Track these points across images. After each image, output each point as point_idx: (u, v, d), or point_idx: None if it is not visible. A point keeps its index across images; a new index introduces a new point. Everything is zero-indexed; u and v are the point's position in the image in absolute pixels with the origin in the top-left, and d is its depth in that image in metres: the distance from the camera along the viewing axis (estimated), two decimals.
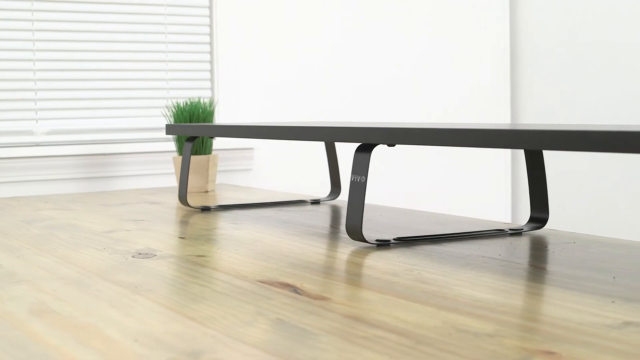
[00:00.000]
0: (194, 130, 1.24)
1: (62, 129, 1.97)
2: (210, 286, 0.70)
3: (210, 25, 2.14)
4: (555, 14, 2.41)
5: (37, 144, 1.94)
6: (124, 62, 2.02)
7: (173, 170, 1.96)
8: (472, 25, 2.44)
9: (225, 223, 1.12)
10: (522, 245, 0.90)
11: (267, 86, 2.17)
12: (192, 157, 1.58)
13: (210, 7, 2.13)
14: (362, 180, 0.88)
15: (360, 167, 0.89)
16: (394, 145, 0.88)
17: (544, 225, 1.00)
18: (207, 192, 1.59)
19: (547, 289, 0.67)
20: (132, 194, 1.57)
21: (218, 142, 2.06)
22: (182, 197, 1.26)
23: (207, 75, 2.15)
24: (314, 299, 0.65)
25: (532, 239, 0.94)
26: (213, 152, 1.86)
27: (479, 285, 0.69)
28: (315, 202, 1.37)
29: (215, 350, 0.50)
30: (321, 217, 1.18)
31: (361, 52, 2.28)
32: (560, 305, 0.61)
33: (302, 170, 2.20)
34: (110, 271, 0.77)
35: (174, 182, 1.95)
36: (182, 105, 1.61)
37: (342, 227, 1.07)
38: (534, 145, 0.68)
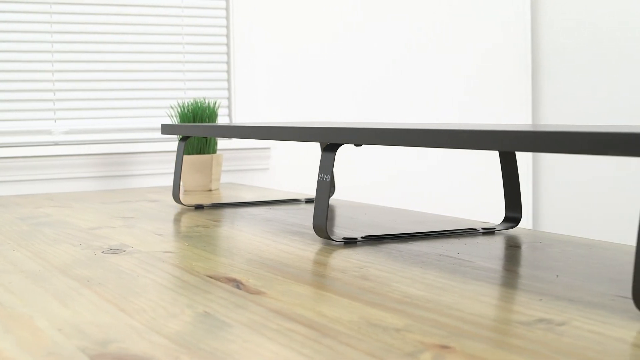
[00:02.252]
0: (187, 130, 1.27)
1: (79, 128, 2.02)
2: (159, 280, 0.72)
3: (227, 27, 2.17)
4: (577, 13, 2.39)
5: (56, 143, 2.00)
6: (140, 63, 2.06)
7: None
8: (492, 25, 2.43)
9: (209, 221, 1.14)
10: (486, 244, 0.91)
11: (284, 87, 2.19)
12: (196, 156, 1.61)
13: (227, 9, 2.17)
14: (327, 180, 0.90)
15: (326, 166, 0.90)
16: (360, 145, 0.89)
17: (517, 225, 1.01)
18: (210, 190, 1.62)
19: (483, 286, 0.68)
20: (136, 192, 1.61)
21: (234, 142, 2.09)
22: (176, 196, 1.29)
23: (224, 75, 2.18)
24: (251, 293, 0.67)
25: (501, 238, 0.95)
26: (218, 152, 1.89)
27: (419, 282, 0.70)
28: (310, 201, 1.39)
29: (126, 340, 0.53)
30: (307, 215, 1.19)
31: (377, 51, 2.29)
32: (484, 301, 0.62)
33: (317, 170, 2.21)
34: (72, 266, 0.80)
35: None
36: (186, 105, 1.65)
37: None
38: (486, 146, 0.69)
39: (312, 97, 2.22)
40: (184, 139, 1.29)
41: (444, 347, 0.50)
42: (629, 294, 0.64)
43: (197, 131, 1.24)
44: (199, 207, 1.31)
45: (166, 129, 1.34)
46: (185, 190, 1.64)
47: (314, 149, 2.20)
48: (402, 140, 0.81)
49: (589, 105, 2.34)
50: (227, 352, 0.50)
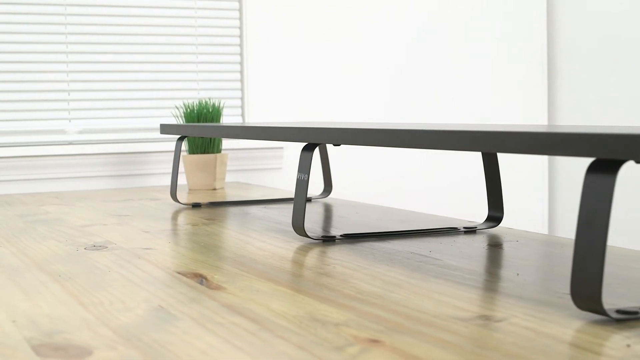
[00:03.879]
0: (183, 130, 1.29)
1: (93, 128, 2.05)
2: (128, 276, 0.74)
3: (240, 27, 2.19)
4: (593, 12, 2.38)
5: (70, 143, 2.04)
6: (154, 63, 2.09)
7: None
8: (508, 25, 2.43)
9: (201, 219, 1.16)
10: (463, 242, 0.91)
11: (297, 87, 2.21)
12: (200, 155, 1.64)
13: (240, 9, 2.19)
14: (305, 179, 0.91)
15: (304, 165, 0.92)
16: (339, 145, 0.91)
17: (499, 224, 1.01)
18: (214, 189, 1.65)
19: (439, 283, 0.69)
20: (141, 191, 1.64)
21: (247, 141, 2.11)
22: (173, 194, 1.32)
23: (237, 76, 2.21)
24: (211, 289, 0.68)
25: (480, 237, 0.96)
26: (224, 151, 1.92)
27: (378, 279, 0.71)
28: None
29: (73, 331, 0.55)
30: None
31: (391, 51, 2.29)
32: (434, 298, 0.63)
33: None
34: (51, 261, 0.83)
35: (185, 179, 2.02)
36: (190, 105, 1.67)
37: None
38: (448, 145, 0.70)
39: (326, 97, 2.24)
40: (181, 138, 1.32)
41: (374, 341, 0.52)
42: None
43: (193, 131, 1.26)
44: (196, 206, 1.33)
45: (165, 129, 1.36)
46: (189, 189, 1.66)
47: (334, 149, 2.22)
48: (378, 140, 0.82)
49: (606, 105, 2.33)
50: (163, 343, 0.52)
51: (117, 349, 0.50)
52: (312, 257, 0.84)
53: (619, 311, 0.57)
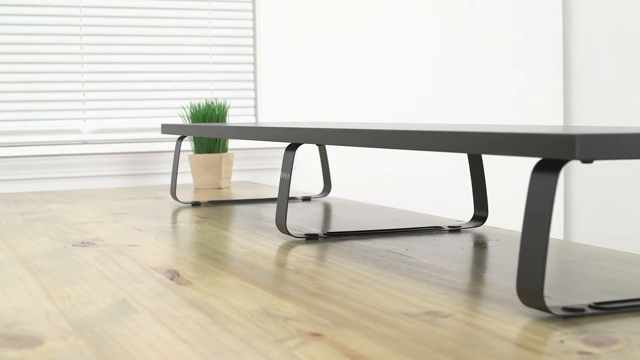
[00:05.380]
0: (183, 130, 1.31)
1: (108, 127, 2.09)
2: (105, 271, 0.77)
3: (254, 28, 2.21)
4: (609, 12, 2.36)
5: (85, 142, 2.07)
6: (168, 64, 2.12)
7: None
8: (524, 25, 2.42)
9: (195, 217, 1.19)
10: (443, 241, 0.93)
11: (310, 87, 2.22)
12: (206, 155, 1.66)
13: (253, 11, 2.21)
14: (287, 178, 0.93)
15: (286, 165, 0.94)
16: (321, 145, 0.92)
17: (483, 223, 1.02)
18: (220, 188, 1.67)
19: (403, 280, 0.70)
20: (148, 190, 1.67)
21: (259, 141, 2.13)
22: (173, 193, 1.34)
23: (251, 76, 2.23)
24: (179, 284, 0.70)
25: (463, 236, 0.97)
26: (230, 151, 1.94)
27: (344, 276, 0.73)
28: (307, 199, 1.42)
29: (33, 323, 0.57)
30: (295, 213, 1.23)
31: (406, 52, 2.30)
32: (391, 294, 0.65)
33: (343, 170, 2.24)
34: (35, 257, 0.85)
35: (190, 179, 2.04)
36: (197, 105, 1.70)
37: (294, 224, 1.11)
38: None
39: (339, 97, 2.25)
40: (181, 138, 1.34)
41: (316, 334, 0.53)
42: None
43: (191, 131, 1.28)
44: (195, 204, 1.36)
45: (165, 129, 1.39)
46: (196, 188, 1.69)
47: (341, 149, 2.23)
48: (358, 140, 0.83)
49: (622, 106, 2.32)
50: (114, 335, 0.54)
51: (68, 340, 0.53)
52: (289, 254, 0.85)
53: (565, 308, 0.58)
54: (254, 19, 2.22)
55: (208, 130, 1.20)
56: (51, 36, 2.02)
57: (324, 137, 0.88)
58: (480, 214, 1.03)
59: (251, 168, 2.15)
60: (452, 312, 0.59)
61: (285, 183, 0.93)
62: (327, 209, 1.27)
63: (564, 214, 2.47)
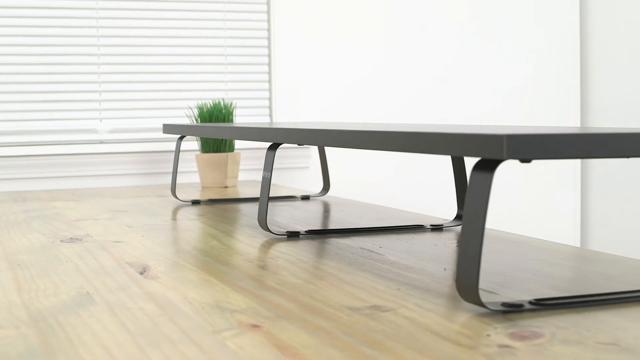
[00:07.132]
0: (184, 130, 1.34)
1: (124, 127, 2.13)
2: (81, 266, 0.80)
3: (268, 30, 2.24)
4: (626, 13, 2.35)
5: (101, 142, 2.12)
6: (183, 65, 2.16)
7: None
8: (540, 24, 2.42)
9: (191, 214, 1.21)
10: (420, 239, 0.94)
11: (325, 87, 2.25)
12: (212, 154, 1.70)
13: (267, 12, 2.24)
14: (268, 177, 0.95)
15: (267, 164, 0.96)
16: (302, 145, 0.95)
17: None
18: (226, 187, 1.70)
19: (362, 276, 0.72)
20: (153, 188, 1.70)
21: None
22: (173, 191, 1.37)
23: (266, 77, 2.26)
24: (147, 278, 0.73)
25: (443, 234, 0.98)
26: (236, 151, 1.97)
27: (308, 272, 0.75)
28: (305, 197, 1.44)
29: None
30: (286, 211, 1.25)
31: (420, 52, 2.31)
32: (343, 289, 0.67)
33: (355, 170, 2.26)
34: (22, 252, 0.89)
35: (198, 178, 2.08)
36: (205, 106, 1.73)
37: (286, 222, 1.14)
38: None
39: (353, 97, 2.27)
40: (181, 137, 1.37)
41: (255, 326, 0.55)
42: (487, 286, 0.67)
43: (192, 131, 1.31)
44: (195, 203, 1.38)
45: (166, 129, 1.42)
46: (202, 187, 1.72)
47: (351, 150, 2.25)
48: (339, 141, 0.85)
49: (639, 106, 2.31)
50: (64, 325, 0.56)
51: (20, 329, 0.55)
52: (264, 251, 0.88)
53: (504, 304, 0.60)
54: (268, 20, 2.25)
55: (205, 130, 1.23)
56: (69, 38, 2.07)
57: (302, 138, 0.90)
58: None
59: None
60: (395, 306, 0.61)
61: (266, 182, 0.96)
62: (321, 208, 1.29)
63: (581, 220, 2.47)
